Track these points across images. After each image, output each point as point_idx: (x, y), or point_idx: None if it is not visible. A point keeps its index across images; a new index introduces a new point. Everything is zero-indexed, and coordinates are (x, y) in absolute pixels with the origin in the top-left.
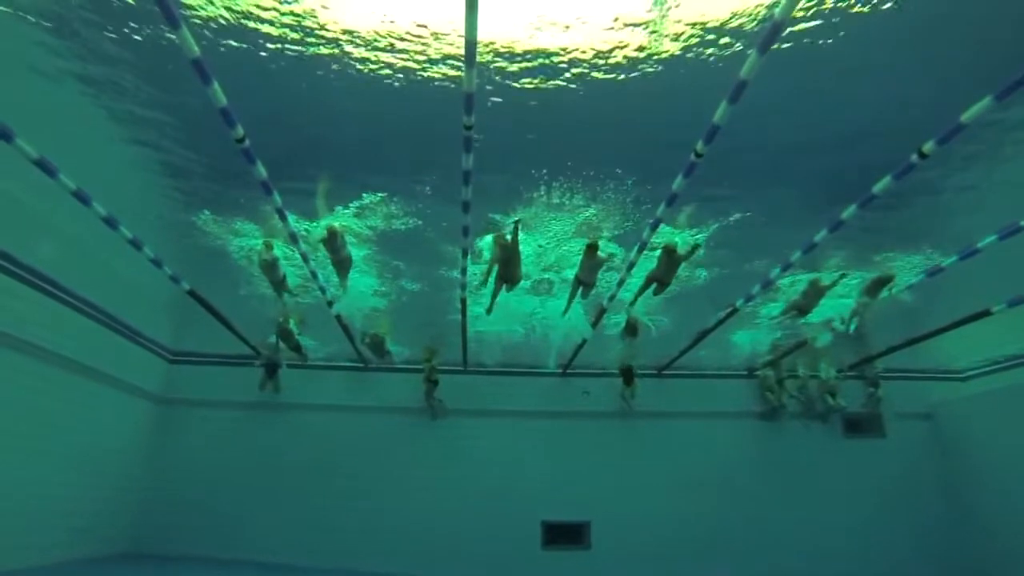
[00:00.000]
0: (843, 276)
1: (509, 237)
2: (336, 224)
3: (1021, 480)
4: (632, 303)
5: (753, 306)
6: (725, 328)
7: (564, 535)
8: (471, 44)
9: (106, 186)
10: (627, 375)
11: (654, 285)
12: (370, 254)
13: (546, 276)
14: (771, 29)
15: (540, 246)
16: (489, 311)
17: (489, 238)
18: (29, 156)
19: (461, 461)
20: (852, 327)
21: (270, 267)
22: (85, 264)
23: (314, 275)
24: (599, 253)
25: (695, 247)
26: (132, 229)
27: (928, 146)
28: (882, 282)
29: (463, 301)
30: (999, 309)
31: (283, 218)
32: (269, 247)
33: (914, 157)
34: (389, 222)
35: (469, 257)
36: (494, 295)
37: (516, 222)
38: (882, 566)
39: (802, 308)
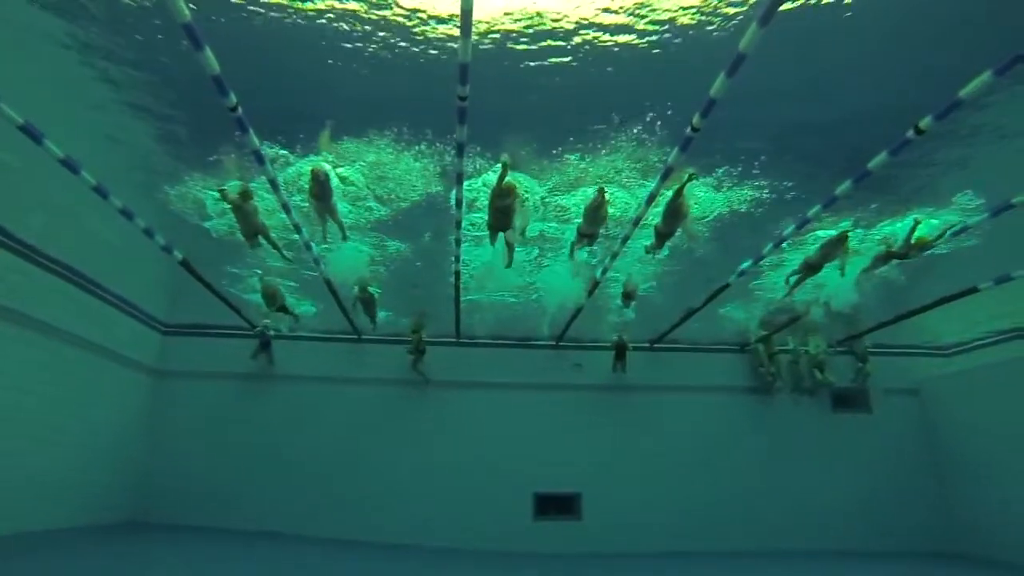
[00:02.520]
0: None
1: (511, 192)
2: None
3: (1001, 453)
4: (654, 250)
5: (746, 280)
6: (718, 302)
7: (556, 507)
8: (467, 14)
9: (90, 151)
10: (620, 350)
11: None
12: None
13: (548, 227)
14: (769, 4)
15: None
16: (508, 265)
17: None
18: (14, 121)
19: (454, 433)
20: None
21: (243, 210)
22: (74, 233)
23: (308, 246)
24: (605, 204)
25: (691, 176)
26: (119, 196)
27: (925, 122)
28: (920, 245)
29: (456, 274)
30: (986, 286)
31: (275, 188)
32: (245, 193)
33: (910, 133)
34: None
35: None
36: (493, 241)
37: (521, 197)
38: (869, 537)
39: (814, 265)
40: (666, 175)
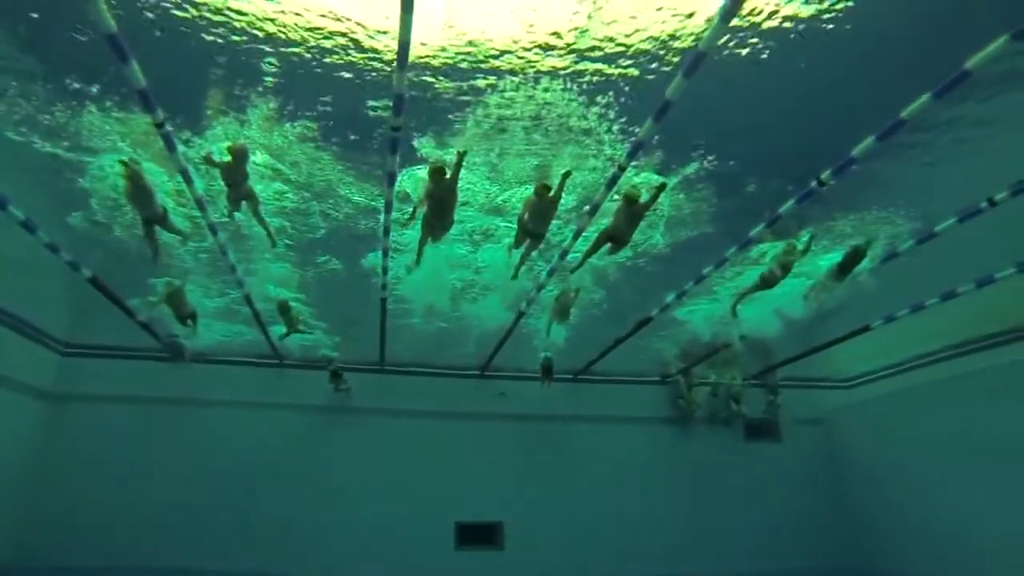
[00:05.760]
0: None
1: (448, 172)
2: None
3: (898, 478)
4: (576, 268)
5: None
6: (640, 335)
7: (477, 536)
8: (404, 45)
9: None
10: (547, 371)
11: (607, 245)
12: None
13: (492, 223)
14: (694, 58)
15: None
16: (417, 262)
17: (423, 171)
18: None
19: (376, 461)
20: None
21: (139, 192)
22: None
23: (233, 269)
24: (550, 195)
25: (660, 187)
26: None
27: (826, 175)
28: (857, 256)
29: (383, 300)
30: (877, 325)
31: (202, 208)
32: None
33: (814, 184)
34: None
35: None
36: (421, 244)
37: (460, 153)
38: (780, 558)
39: (769, 281)
40: (593, 211)
